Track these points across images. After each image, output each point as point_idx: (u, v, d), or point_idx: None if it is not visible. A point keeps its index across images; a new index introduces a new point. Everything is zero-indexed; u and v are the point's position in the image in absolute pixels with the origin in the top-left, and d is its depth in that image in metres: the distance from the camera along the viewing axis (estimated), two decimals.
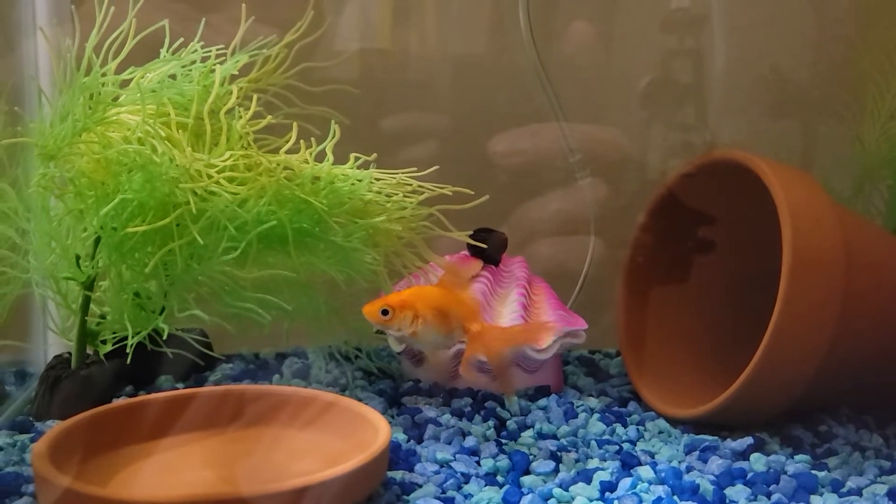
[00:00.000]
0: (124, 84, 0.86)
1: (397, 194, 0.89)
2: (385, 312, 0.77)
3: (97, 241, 0.89)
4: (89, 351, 0.94)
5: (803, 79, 1.25)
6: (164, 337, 0.90)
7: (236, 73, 0.92)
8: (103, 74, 0.84)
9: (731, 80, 1.23)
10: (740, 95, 1.23)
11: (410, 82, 1.18)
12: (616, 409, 0.93)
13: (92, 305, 0.93)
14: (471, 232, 0.96)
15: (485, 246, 0.97)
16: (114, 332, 0.92)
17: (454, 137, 1.16)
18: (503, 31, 1.18)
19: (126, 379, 0.94)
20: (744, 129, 1.23)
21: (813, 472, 0.78)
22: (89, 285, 0.90)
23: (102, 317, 0.94)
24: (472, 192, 0.91)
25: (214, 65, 0.89)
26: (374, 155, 0.88)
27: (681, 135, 1.25)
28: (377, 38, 1.17)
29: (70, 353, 0.92)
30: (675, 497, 0.72)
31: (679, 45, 1.23)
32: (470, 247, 0.99)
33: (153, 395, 0.78)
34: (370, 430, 0.71)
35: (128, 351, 0.87)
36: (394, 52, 1.17)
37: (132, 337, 0.88)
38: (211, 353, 1.02)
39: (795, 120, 1.26)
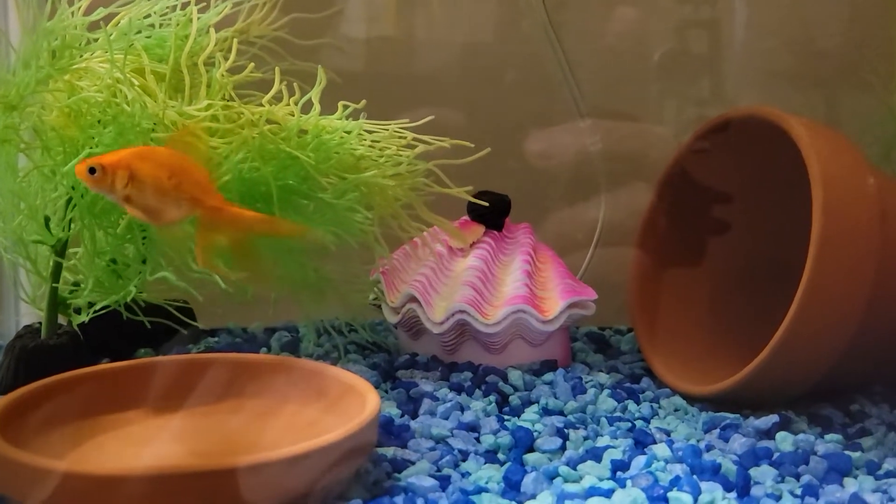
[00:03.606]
0: (93, 27, 0.80)
1: (391, 148, 0.81)
2: (93, 171, 0.63)
3: (69, 201, 0.83)
4: (62, 321, 0.87)
5: (830, 46, 1.18)
6: (140, 301, 0.83)
7: (219, 19, 0.85)
8: (71, 16, 0.78)
9: (751, 48, 1.16)
10: (762, 64, 1.16)
11: (421, 61, 1.12)
12: (628, 385, 0.86)
13: (65, 273, 0.86)
14: (470, 188, 0.89)
15: (486, 204, 0.89)
16: (88, 301, 0.86)
17: (464, 110, 1.10)
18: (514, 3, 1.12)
19: (103, 351, 0.88)
20: (764, 101, 1.17)
21: (846, 452, 0.71)
22: (61, 250, 0.84)
23: (76, 284, 0.88)
24: (472, 145, 0.85)
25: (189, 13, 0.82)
26: (363, 102, 0.81)
27: (697, 108, 1.19)
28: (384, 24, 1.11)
29: (41, 323, 0.86)
30: (695, 477, 0.65)
31: (696, 12, 1.17)
32: (471, 211, 0.92)
33: (115, 364, 0.71)
34: (357, 400, 0.64)
35: (89, 315, 0.81)
36: (401, 36, 1.11)
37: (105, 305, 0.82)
38: (194, 322, 0.95)
39: (819, 88, 1.19)
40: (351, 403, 0.64)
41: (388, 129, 0.82)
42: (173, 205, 0.64)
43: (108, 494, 0.52)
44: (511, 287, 0.87)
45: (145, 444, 0.64)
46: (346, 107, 0.80)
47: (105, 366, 0.71)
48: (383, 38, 1.11)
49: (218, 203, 0.65)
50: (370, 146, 0.82)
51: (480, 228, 0.91)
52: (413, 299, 0.88)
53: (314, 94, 0.79)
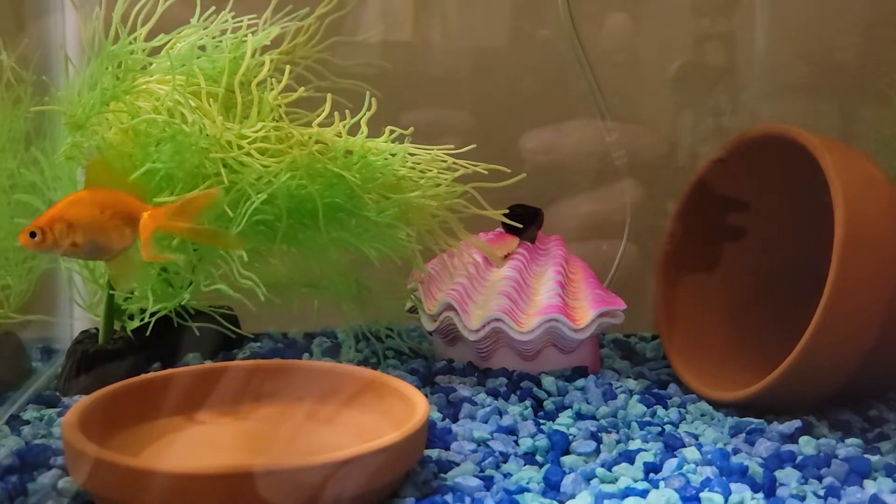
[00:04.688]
0: (153, 52, 0.85)
1: (431, 170, 0.86)
2: (34, 235, 0.66)
3: None
4: (116, 327, 0.92)
5: (845, 59, 1.21)
6: (187, 306, 0.88)
7: (268, 44, 0.90)
8: (132, 42, 0.82)
9: (768, 60, 1.19)
10: (778, 76, 1.20)
11: (442, 66, 1.16)
12: (656, 391, 0.90)
13: None
14: (506, 210, 0.93)
15: (520, 226, 0.94)
16: (141, 308, 0.90)
17: (487, 121, 1.13)
18: (537, 13, 1.15)
19: (154, 356, 0.93)
20: (780, 113, 1.20)
21: (865, 456, 0.75)
22: None
23: (130, 292, 0.92)
24: (509, 170, 0.89)
25: (245, 35, 0.87)
26: (411, 129, 0.85)
27: (714, 119, 1.23)
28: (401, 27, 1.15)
29: (97, 329, 0.91)
30: (724, 478, 0.69)
31: (712, 25, 1.20)
32: (505, 223, 0.96)
33: (182, 369, 0.76)
34: (407, 406, 0.69)
35: (147, 320, 0.86)
36: (420, 41, 1.15)
37: (158, 312, 0.87)
38: (239, 330, 1.00)
39: (835, 101, 1.22)
40: (402, 408, 0.69)
41: (430, 153, 0.86)
42: (116, 235, 0.69)
43: (187, 492, 0.57)
44: (544, 296, 0.92)
45: (211, 444, 0.69)
46: (392, 131, 0.85)
47: (174, 370, 0.76)
48: (408, 45, 1.15)
49: (150, 212, 0.70)
50: (411, 168, 0.86)
51: (515, 240, 0.96)
52: (450, 308, 0.92)
53: (363, 119, 0.84)
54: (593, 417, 0.82)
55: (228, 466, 0.57)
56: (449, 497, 0.65)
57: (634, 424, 0.80)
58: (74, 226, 0.67)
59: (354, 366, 0.76)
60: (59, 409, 0.81)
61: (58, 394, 0.85)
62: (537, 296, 0.92)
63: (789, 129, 0.87)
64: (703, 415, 0.85)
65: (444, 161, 0.87)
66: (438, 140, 0.90)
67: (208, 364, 0.79)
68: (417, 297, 0.96)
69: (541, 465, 0.72)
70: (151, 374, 0.74)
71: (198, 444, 0.69)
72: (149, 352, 0.92)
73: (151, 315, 0.88)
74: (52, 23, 0.96)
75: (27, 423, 0.77)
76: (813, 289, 0.80)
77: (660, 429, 0.80)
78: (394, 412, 0.69)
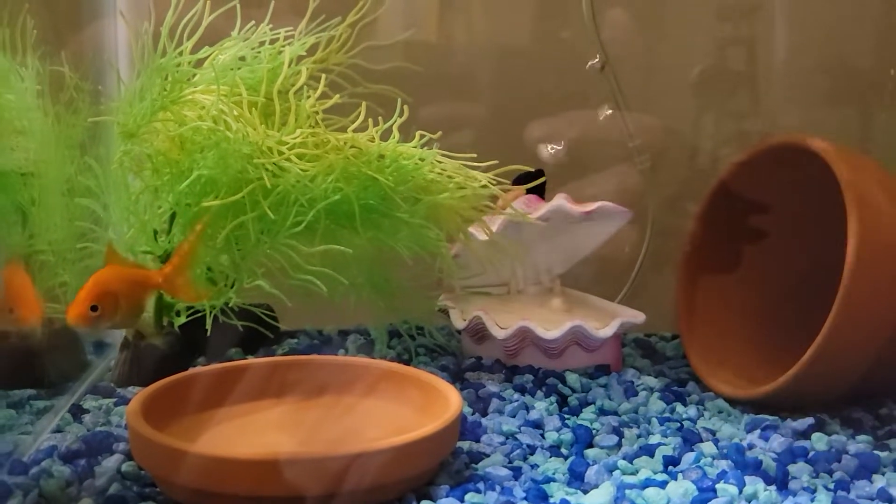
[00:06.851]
0: (198, 64, 0.89)
1: (459, 176, 0.90)
2: (95, 308, 0.69)
3: (172, 216, 0.93)
4: (164, 323, 0.98)
5: (864, 65, 1.23)
6: (232, 306, 0.93)
7: (303, 53, 0.94)
8: (178, 55, 0.87)
9: (789, 67, 1.22)
10: (798, 82, 1.22)
11: (466, 67, 1.19)
12: (675, 388, 0.94)
13: None
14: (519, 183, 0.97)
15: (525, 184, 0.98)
16: (188, 306, 0.96)
17: (509, 124, 1.17)
18: (561, 17, 1.18)
19: (199, 350, 0.98)
20: (800, 118, 1.22)
21: (875, 452, 0.78)
22: (165, 259, 0.94)
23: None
24: (533, 184, 0.93)
25: (283, 46, 0.92)
26: (439, 133, 0.89)
27: (735, 123, 1.25)
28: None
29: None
30: (739, 471, 0.73)
31: (734, 31, 1.22)
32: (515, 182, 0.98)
33: (230, 363, 0.81)
34: (441, 399, 0.73)
35: (195, 316, 0.91)
36: (445, 42, 1.19)
37: (205, 309, 0.92)
38: (278, 325, 1.05)
39: (854, 107, 1.24)
40: (436, 402, 0.73)
41: (456, 163, 0.91)
42: (143, 302, 0.76)
43: (241, 476, 0.62)
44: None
45: (260, 433, 0.74)
46: (422, 136, 0.89)
47: (224, 365, 0.81)
48: (433, 46, 1.18)
49: (162, 274, 0.77)
50: (439, 173, 0.91)
51: (520, 190, 0.98)
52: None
53: (394, 125, 0.88)
54: (615, 413, 0.86)
55: (275, 454, 0.62)
56: (480, 485, 0.69)
57: (654, 420, 0.84)
58: (119, 299, 0.72)
59: (401, 364, 0.81)
60: (114, 399, 0.87)
61: (112, 385, 0.91)
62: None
63: (805, 138, 0.90)
64: (720, 411, 0.89)
65: (476, 179, 0.91)
66: (463, 138, 0.93)
67: (251, 360, 0.84)
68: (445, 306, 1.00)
69: (566, 458, 0.77)
70: (206, 368, 0.79)
71: (245, 434, 0.74)
72: (194, 347, 0.98)
73: (197, 312, 0.93)
74: (106, 34, 1.01)
75: (87, 411, 0.83)
76: (830, 291, 0.83)
77: (679, 424, 0.84)
78: (430, 406, 0.74)
